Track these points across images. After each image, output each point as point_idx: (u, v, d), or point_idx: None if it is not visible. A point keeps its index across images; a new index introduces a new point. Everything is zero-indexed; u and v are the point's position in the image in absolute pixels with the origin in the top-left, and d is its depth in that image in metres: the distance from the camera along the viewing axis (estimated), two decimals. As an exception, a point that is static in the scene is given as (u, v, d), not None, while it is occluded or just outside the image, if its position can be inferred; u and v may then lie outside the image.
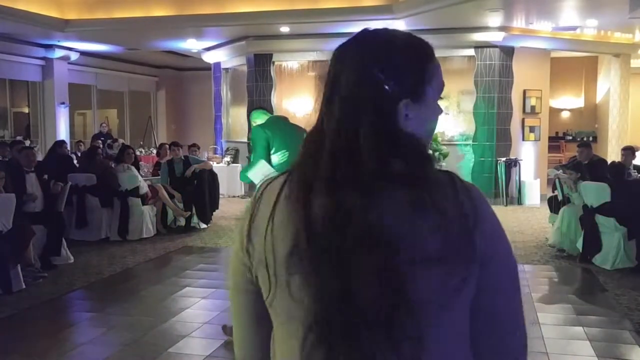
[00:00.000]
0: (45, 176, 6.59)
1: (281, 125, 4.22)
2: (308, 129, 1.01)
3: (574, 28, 10.31)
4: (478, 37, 10.30)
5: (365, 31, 0.99)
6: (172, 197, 8.32)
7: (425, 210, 0.87)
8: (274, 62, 11.77)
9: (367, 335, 0.84)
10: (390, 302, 0.84)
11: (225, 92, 13.12)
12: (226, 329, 4.14)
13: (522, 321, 1.00)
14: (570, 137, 15.11)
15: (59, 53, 12.33)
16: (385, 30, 1.00)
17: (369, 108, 0.90)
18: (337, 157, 0.89)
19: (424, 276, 0.86)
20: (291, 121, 4.46)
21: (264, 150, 4.07)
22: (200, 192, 8.47)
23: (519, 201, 10.82)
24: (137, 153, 10.95)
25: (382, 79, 0.92)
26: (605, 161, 7.31)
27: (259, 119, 4.36)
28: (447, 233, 0.87)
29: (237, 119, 12.94)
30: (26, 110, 13.49)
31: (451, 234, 0.87)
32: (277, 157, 4.01)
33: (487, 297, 0.93)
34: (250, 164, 4.25)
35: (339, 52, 1.01)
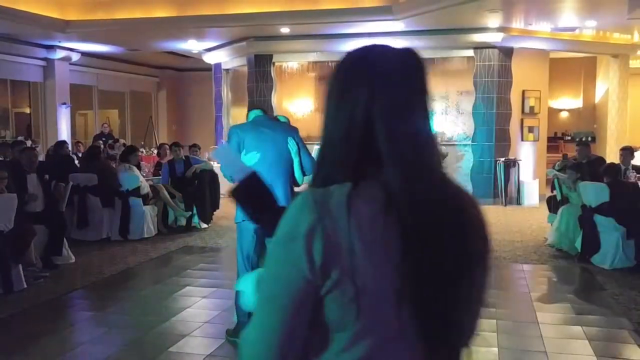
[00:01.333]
0: (47, 176, 6.62)
1: (260, 126, 4.09)
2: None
3: (573, 29, 10.33)
4: (477, 37, 10.33)
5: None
6: (172, 196, 8.35)
7: None
8: (274, 63, 11.80)
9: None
10: None
11: (226, 93, 13.15)
12: (229, 332, 4.17)
13: None
14: (569, 138, 15.13)
15: (60, 54, 12.36)
16: None
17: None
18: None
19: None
20: (289, 122, 4.46)
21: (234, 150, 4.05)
22: (200, 192, 8.50)
23: (518, 201, 10.84)
24: (138, 153, 10.98)
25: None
26: (603, 160, 7.34)
27: (250, 118, 4.33)
28: None
29: (237, 120, 12.95)
30: (27, 110, 13.52)
31: None
32: (246, 159, 3.91)
33: None
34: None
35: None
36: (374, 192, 0.94)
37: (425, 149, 0.99)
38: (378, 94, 0.98)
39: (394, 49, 1.07)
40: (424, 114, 1.01)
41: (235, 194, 1.33)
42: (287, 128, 4.24)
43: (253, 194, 1.33)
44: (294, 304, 0.93)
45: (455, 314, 0.97)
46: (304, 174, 4.15)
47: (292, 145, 4.07)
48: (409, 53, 1.07)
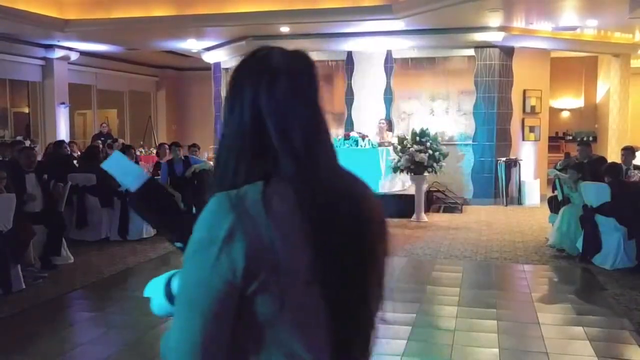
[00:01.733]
0: (45, 176, 6.59)
1: None
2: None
3: (574, 28, 10.31)
4: (478, 37, 10.31)
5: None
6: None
7: None
8: (274, 62, 11.76)
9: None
10: None
11: (226, 92, 13.13)
12: None
13: None
14: (570, 137, 15.12)
15: (59, 53, 12.33)
16: None
17: None
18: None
19: None
20: None
21: None
22: (200, 192, 8.48)
23: (519, 201, 10.82)
24: (137, 153, 10.95)
25: None
26: (604, 159, 7.32)
27: None
28: None
29: (237, 119, 12.94)
30: (26, 110, 13.49)
31: None
32: None
33: None
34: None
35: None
36: (284, 188, 0.98)
37: (316, 143, 1.02)
38: (265, 92, 1.02)
39: (284, 50, 1.11)
40: (314, 111, 1.05)
41: (134, 203, 1.31)
42: None
43: (153, 201, 1.30)
44: (216, 309, 0.93)
45: (364, 299, 1.03)
46: None
47: None
48: (297, 53, 1.11)
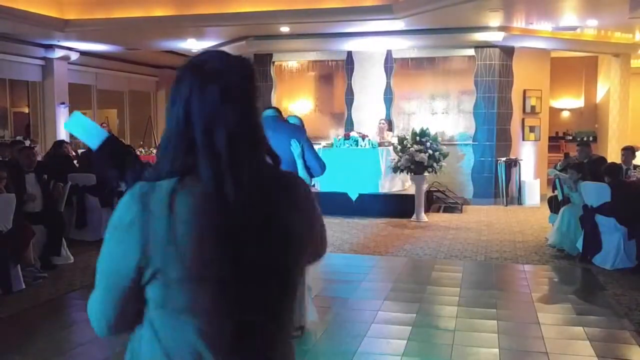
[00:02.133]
0: (45, 176, 6.59)
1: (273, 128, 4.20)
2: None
3: (574, 28, 10.30)
4: (478, 37, 10.30)
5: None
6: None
7: None
8: (274, 62, 11.78)
9: None
10: None
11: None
12: None
13: None
14: (570, 137, 15.12)
15: (58, 53, 12.32)
16: None
17: None
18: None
19: None
20: (301, 122, 4.52)
21: None
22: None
23: (519, 201, 10.82)
24: (137, 153, 10.92)
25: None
26: (604, 159, 7.32)
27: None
28: None
29: (237, 119, 12.94)
30: (26, 110, 13.48)
31: None
32: None
33: None
34: None
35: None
36: (195, 187, 1.05)
37: (242, 147, 1.08)
38: (196, 94, 1.09)
39: (223, 55, 1.16)
40: (244, 116, 1.11)
41: (97, 158, 1.38)
42: (292, 130, 4.28)
43: (115, 155, 1.35)
44: (120, 283, 1.07)
45: (275, 294, 1.10)
46: (311, 176, 4.23)
47: (295, 148, 4.11)
48: (235, 60, 1.16)
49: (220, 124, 1.07)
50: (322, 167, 4.26)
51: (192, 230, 1.02)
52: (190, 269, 1.02)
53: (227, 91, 1.09)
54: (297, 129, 4.32)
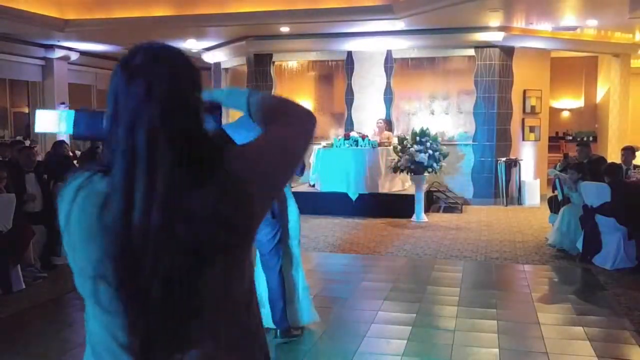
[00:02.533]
0: (45, 176, 6.59)
1: (239, 127, 4.12)
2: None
3: (574, 28, 10.31)
4: (478, 37, 10.31)
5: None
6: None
7: None
8: (274, 62, 11.78)
9: None
10: None
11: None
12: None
13: None
14: (570, 137, 15.11)
15: (58, 53, 12.33)
16: None
17: None
18: None
19: None
20: None
21: None
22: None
23: (519, 201, 10.81)
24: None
25: None
26: (604, 159, 7.32)
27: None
28: None
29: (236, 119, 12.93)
30: (26, 110, 13.48)
31: None
32: None
33: None
34: None
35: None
36: (99, 184, 1.02)
37: (164, 143, 1.01)
38: (121, 89, 1.04)
39: (149, 50, 1.09)
40: (170, 108, 1.03)
41: (79, 137, 1.35)
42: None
43: (91, 125, 1.34)
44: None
45: (173, 298, 1.00)
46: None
47: None
48: (161, 54, 1.10)
49: (141, 123, 1.01)
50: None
51: (79, 229, 1.02)
52: (82, 267, 1.03)
53: (151, 88, 1.03)
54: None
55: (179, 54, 1.12)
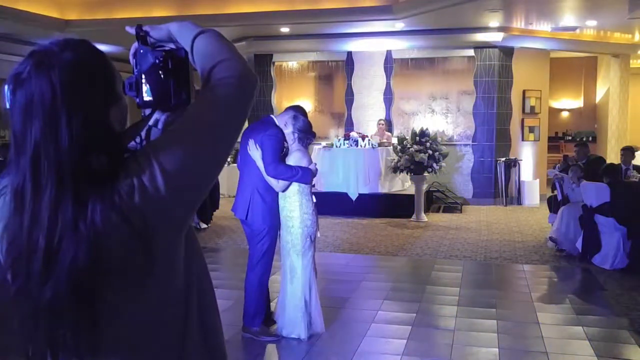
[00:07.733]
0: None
1: (248, 130, 4.11)
2: None
3: (573, 28, 10.32)
4: (478, 37, 10.32)
5: None
6: None
7: None
8: (274, 63, 11.79)
9: None
10: None
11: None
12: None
13: None
14: (570, 138, 15.13)
15: (59, 53, 12.34)
16: None
17: None
18: None
19: None
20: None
21: None
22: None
23: (519, 201, 10.83)
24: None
25: None
26: (602, 159, 7.33)
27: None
28: None
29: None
30: (26, 110, 13.51)
31: None
32: None
33: None
34: None
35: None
36: (4, 189, 0.99)
37: (48, 170, 0.92)
38: (10, 102, 0.96)
39: (36, 51, 0.98)
40: (54, 127, 0.93)
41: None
42: (256, 130, 4.02)
43: None
44: None
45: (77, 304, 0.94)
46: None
47: (252, 151, 4.00)
48: (49, 56, 0.96)
49: (25, 134, 0.93)
50: (273, 170, 3.90)
51: None
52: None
53: (30, 102, 0.93)
54: (264, 127, 4.03)
55: (75, 50, 0.97)
